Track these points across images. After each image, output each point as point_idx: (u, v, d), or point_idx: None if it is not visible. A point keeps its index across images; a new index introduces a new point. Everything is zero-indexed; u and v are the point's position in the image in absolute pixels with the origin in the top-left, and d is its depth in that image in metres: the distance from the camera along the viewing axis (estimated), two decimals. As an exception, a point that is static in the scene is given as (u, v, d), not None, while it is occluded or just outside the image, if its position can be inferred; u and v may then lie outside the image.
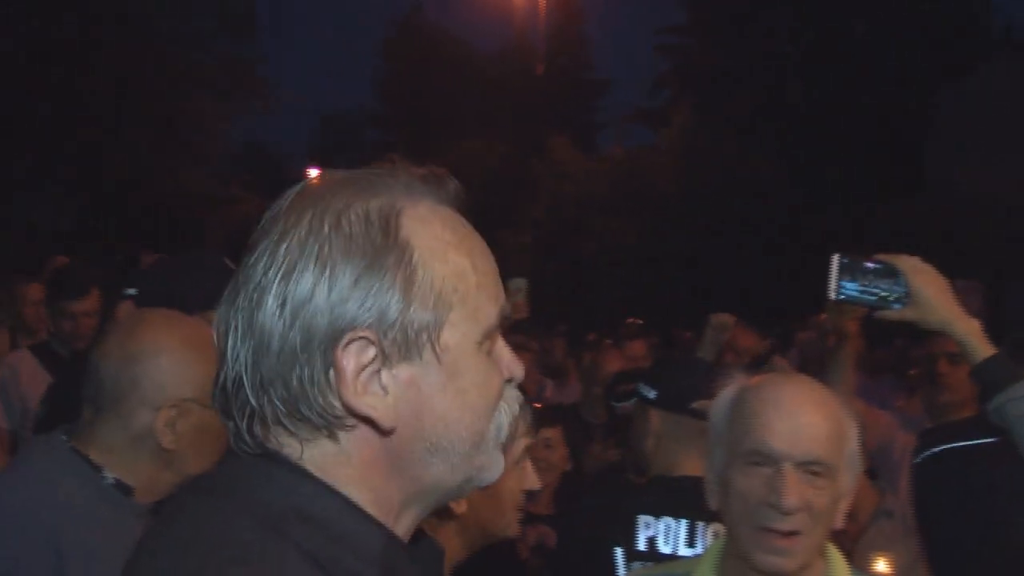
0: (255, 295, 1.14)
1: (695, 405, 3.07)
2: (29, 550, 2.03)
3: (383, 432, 1.16)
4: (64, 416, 3.71)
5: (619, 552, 3.02)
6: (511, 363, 1.26)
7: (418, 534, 1.30)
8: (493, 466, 1.25)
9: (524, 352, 5.94)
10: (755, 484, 2.11)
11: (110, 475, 2.18)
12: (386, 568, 1.15)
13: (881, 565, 3.03)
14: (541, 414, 3.81)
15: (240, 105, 27.31)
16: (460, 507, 2.36)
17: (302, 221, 1.15)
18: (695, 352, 5.74)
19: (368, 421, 1.15)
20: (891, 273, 2.54)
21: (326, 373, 1.13)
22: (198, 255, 3.83)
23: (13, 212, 20.41)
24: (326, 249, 1.13)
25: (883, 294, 2.54)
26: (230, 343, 1.16)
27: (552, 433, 4.71)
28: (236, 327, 1.16)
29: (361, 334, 1.12)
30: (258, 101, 27.90)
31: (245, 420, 1.18)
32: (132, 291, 3.86)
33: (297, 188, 1.22)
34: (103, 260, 5.90)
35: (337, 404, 1.14)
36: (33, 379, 5.17)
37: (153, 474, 2.21)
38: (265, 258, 1.15)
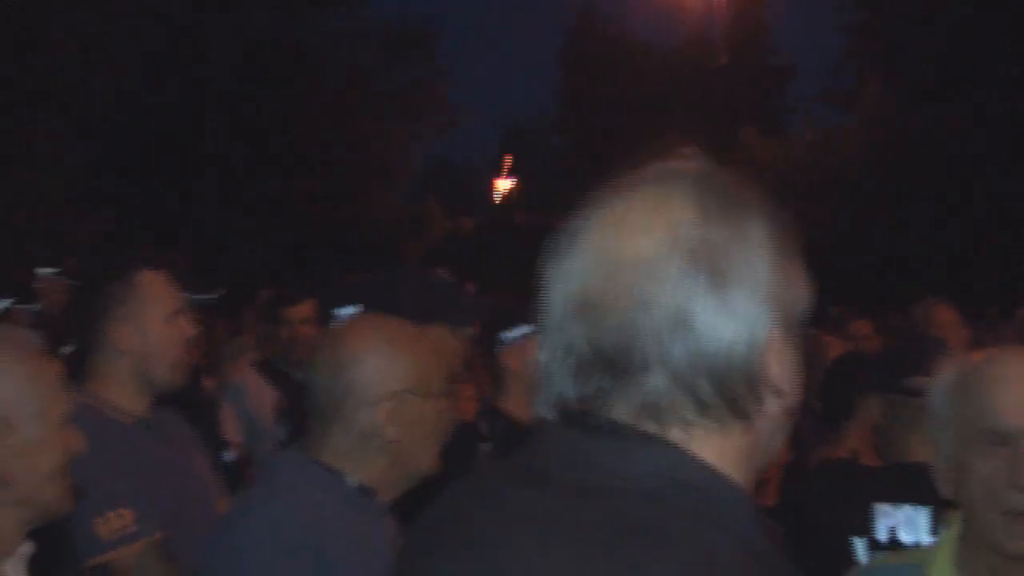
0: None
1: (909, 383, 2.95)
2: (291, 562, 2.10)
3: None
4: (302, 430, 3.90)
5: (858, 543, 2.91)
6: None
7: None
8: None
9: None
10: (996, 465, 1.99)
11: (352, 480, 2.26)
12: (761, 529, 1.17)
13: None
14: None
15: (425, 126, 27.96)
16: None
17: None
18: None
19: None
20: None
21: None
22: (413, 270, 3.95)
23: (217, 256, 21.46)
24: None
25: None
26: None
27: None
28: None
29: None
30: (442, 120, 28.52)
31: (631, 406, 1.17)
32: (349, 309, 4.03)
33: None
34: (313, 285, 6.09)
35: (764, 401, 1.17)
36: (259, 395, 5.40)
37: (385, 471, 2.31)
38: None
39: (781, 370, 1.18)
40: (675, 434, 1.16)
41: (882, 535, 2.90)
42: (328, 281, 6.46)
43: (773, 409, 1.19)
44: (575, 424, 1.18)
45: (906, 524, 2.90)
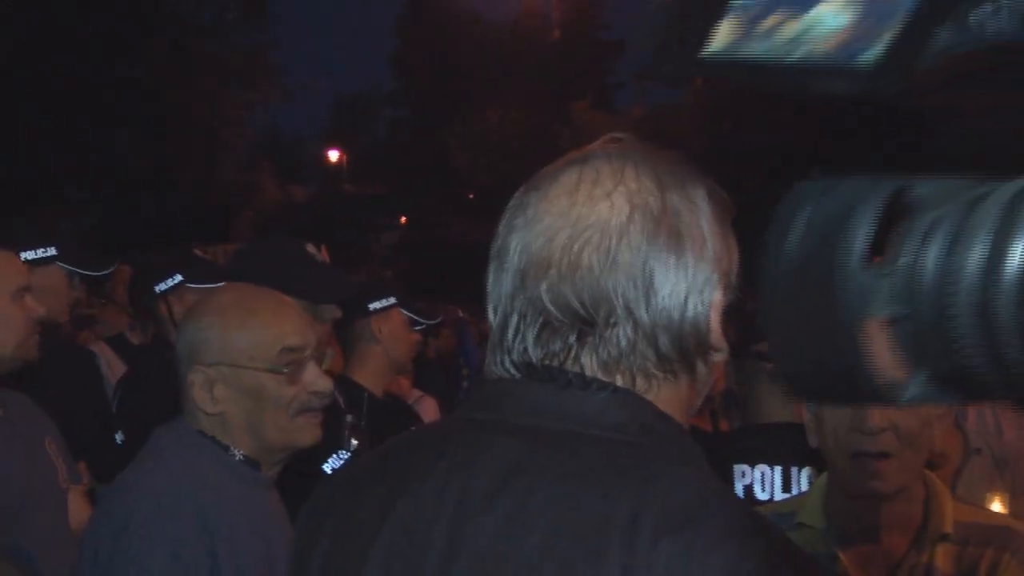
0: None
1: (757, 348, 3.08)
2: (185, 530, 2.07)
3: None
4: (136, 404, 3.81)
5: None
6: None
7: None
8: None
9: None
10: (842, 413, 2.15)
11: (238, 452, 2.24)
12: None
13: (996, 505, 3.03)
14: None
15: (258, 94, 27.39)
16: None
17: None
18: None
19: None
20: None
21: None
22: (281, 243, 3.92)
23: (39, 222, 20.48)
24: None
25: None
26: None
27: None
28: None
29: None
30: (274, 88, 27.99)
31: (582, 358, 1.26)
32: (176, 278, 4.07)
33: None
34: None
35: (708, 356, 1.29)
36: (112, 369, 5.26)
37: (250, 443, 2.27)
38: None
39: (718, 328, 1.27)
40: (640, 384, 1.25)
41: (739, 494, 3.03)
42: (150, 250, 6.33)
43: (711, 364, 1.29)
44: (543, 379, 1.25)
45: (760, 483, 3.05)
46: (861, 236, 0.67)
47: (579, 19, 36.76)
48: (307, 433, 2.33)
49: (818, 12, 0.64)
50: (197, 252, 4.94)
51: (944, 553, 2.13)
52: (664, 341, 1.24)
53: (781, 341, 0.73)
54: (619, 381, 1.25)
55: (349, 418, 3.56)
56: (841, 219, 0.68)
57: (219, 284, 3.76)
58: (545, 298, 1.24)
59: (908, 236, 0.68)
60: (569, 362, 1.25)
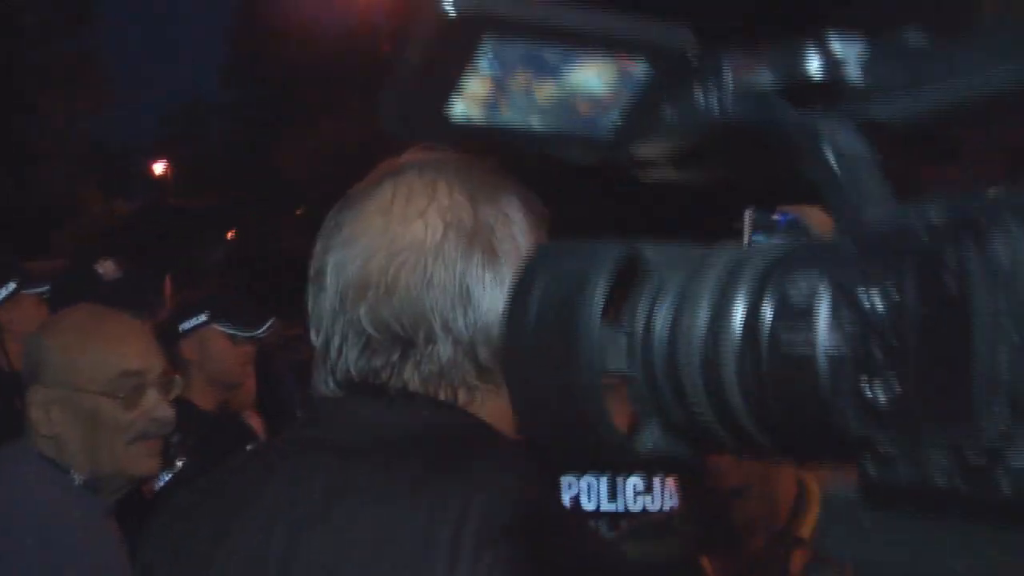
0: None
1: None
2: (16, 549, 2.01)
3: None
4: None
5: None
6: None
7: None
8: None
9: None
10: None
11: (78, 476, 2.18)
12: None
13: None
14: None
15: (81, 104, 26.48)
16: None
17: None
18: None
19: None
20: (797, 226, 2.61)
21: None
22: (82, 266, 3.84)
23: None
24: None
25: None
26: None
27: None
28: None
29: None
30: (98, 98, 27.11)
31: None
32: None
33: None
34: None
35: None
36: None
37: (91, 468, 2.21)
38: None
39: None
40: (462, 396, 1.30)
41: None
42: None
43: None
44: (366, 396, 1.27)
45: (587, 493, 3.12)
46: (596, 296, 0.69)
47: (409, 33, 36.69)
48: (143, 463, 2.28)
49: (575, 77, 0.66)
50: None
51: (800, 558, 2.16)
52: (484, 354, 1.28)
53: (523, 399, 0.75)
54: (441, 395, 1.29)
55: (175, 437, 3.50)
56: (578, 280, 0.70)
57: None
58: (364, 320, 1.27)
59: (640, 297, 0.71)
60: (393, 379, 1.28)
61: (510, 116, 0.67)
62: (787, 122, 0.68)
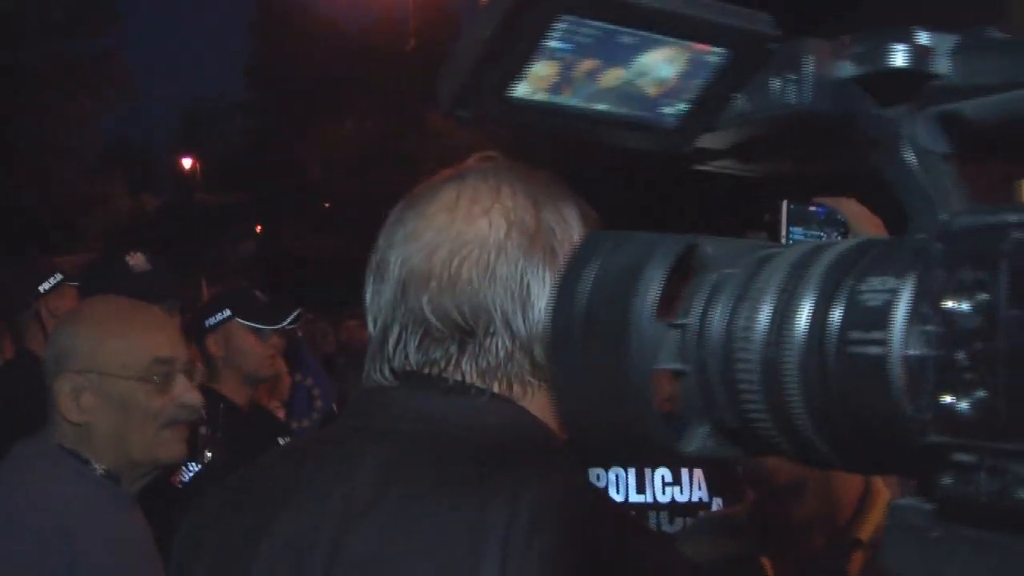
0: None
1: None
2: (44, 550, 2.02)
3: None
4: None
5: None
6: None
7: None
8: None
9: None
10: None
11: (99, 467, 2.19)
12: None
13: None
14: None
15: (106, 100, 26.64)
16: None
17: None
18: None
19: None
20: (834, 219, 2.58)
21: None
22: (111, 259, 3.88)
23: None
24: None
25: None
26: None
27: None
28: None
29: None
30: (123, 93, 27.29)
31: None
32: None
33: None
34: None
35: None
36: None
37: (108, 455, 2.22)
38: None
39: None
40: (516, 391, 1.32)
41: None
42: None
43: None
44: (422, 387, 1.29)
45: (615, 485, 3.12)
46: (651, 290, 0.66)
47: (435, 29, 36.78)
48: (173, 448, 2.31)
49: (646, 61, 0.64)
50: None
51: (859, 561, 2.11)
52: (539, 351, 1.30)
53: (569, 393, 0.73)
54: (496, 388, 1.30)
55: (203, 430, 3.52)
56: (631, 272, 0.68)
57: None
58: (426, 309, 1.30)
59: (697, 292, 0.68)
60: (449, 369, 1.30)
61: (574, 100, 0.65)
62: (867, 115, 0.65)
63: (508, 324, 1.28)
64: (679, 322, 0.68)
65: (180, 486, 3.35)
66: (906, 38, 0.62)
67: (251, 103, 41.82)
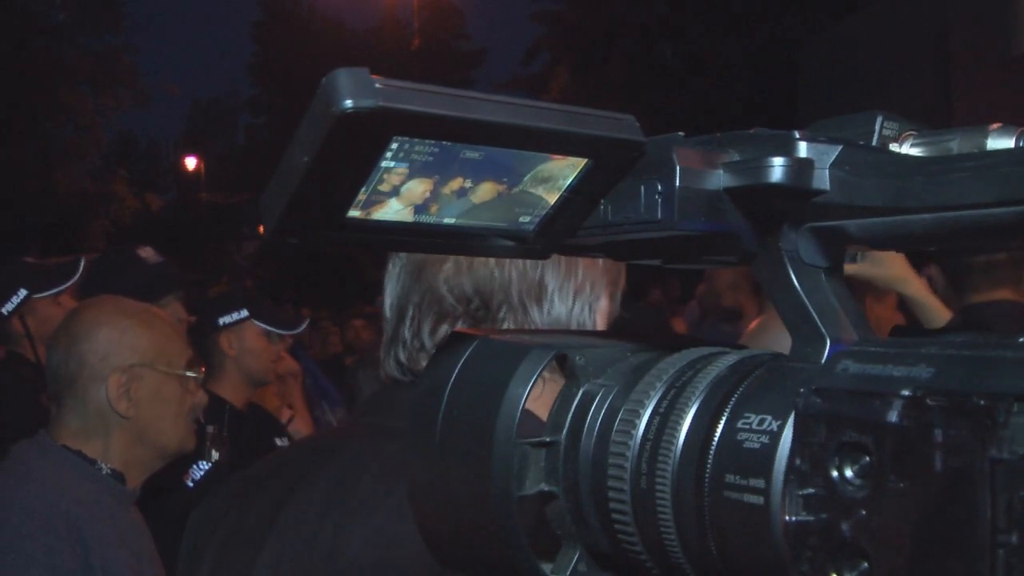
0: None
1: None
2: (59, 544, 2.05)
3: None
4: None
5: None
6: None
7: None
8: None
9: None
10: None
11: (105, 466, 2.23)
12: None
13: None
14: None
15: (112, 99, 26.65)
16: None
17: None
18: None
19: None
20: None
21: None
22: (116, 251, 3.91)
23: None
24: None
25: None
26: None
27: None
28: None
29: None
30: (129, 92, 27.27)
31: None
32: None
33: None
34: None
35: None
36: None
37: (128, 449, 2.27)
38: None
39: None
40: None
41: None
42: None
43: None
44: None
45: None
46: (514, 410, 0.61)
47: (440, 28, 36.79)
48: (192, 439, 2.44)
49: (496, 174, 0.59)
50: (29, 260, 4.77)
51: None
52: None
53: (427, 512, 0.68)
54: None
55: (210, 429, 3.54)
56: (493, 389, 0.62)
57: (65, 286, 3.75)
58: (442, 288, 1.31)
59: (564, 406, 0.63)
60: None
61: (422, 217, 0.59)
62: (742, 230, 0.59)
63: (525, 310, 1.30)
64: (547, 439, 0.63)
65: (191, 484, 3.38)
66: (785, 150, 0.56)
67: (256, 103, 41.85)
